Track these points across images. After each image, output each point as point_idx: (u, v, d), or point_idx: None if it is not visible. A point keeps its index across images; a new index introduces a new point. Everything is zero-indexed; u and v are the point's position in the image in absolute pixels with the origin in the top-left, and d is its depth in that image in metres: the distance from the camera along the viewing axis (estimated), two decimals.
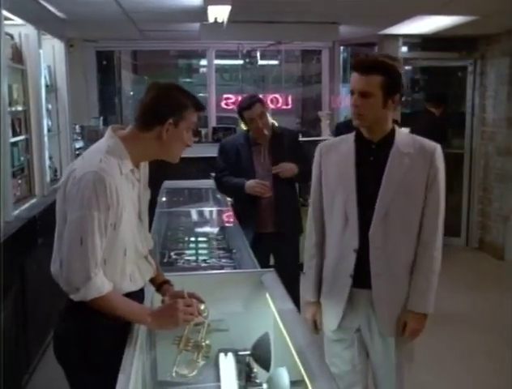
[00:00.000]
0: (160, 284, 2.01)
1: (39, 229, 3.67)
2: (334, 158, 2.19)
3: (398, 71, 2.09)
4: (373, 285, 2.10)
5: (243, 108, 3.44)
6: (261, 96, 3.86)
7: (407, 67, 6.62)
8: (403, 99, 6.22)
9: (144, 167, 1.91)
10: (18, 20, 3.92)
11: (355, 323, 2.19)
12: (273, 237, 3.43)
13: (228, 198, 4.18)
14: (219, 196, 4.36)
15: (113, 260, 1.74)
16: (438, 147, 2.12)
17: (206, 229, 3.86)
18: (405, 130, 2.29)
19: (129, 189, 1.78)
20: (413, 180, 2.08)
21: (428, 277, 2.12)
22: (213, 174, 4.29)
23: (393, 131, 2.14)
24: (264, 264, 2.98)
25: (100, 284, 1.67)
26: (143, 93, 1.83)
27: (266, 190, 3.35)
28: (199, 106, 1.86)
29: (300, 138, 4.03)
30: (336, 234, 2.17)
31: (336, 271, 2.18)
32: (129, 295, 1.79)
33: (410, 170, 2.07)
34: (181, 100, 1.80)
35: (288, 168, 3.42)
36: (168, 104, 1.78)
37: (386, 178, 2.08)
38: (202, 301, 1.88)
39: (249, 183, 3.37)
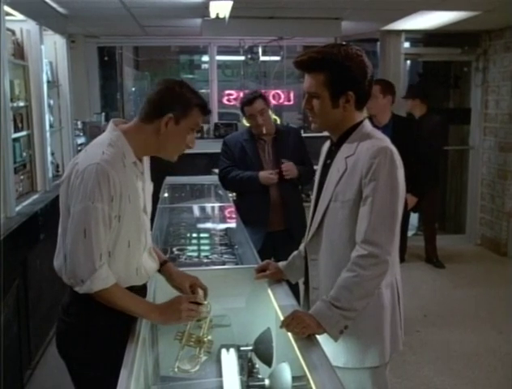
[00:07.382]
0: (160, 264, 2.02)
1: (41, 225, 3.68)
2: (321, 159, 2.05)
3: (346, 64, 1.75)
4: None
5: (244, 103, 3.44)
6: (263, 91, 3.85)
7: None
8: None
9: (147, 161, 1.91)
10: (19, 16, 3.92)
11: None
12: (281, 235, 3.43)
13: (230, 194, 4.17)
14: (221, 192, 4.36)
15: (117, 252, 1.75)
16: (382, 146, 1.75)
17: (208, 225, 3.87)
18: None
19: (132, 181, 1.78)
20: (347, 188, 1.79)
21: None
22: (215, 170, 4.27)
23: (352, 129, 1.84)
24: None
25: (106, 276, 1.67)
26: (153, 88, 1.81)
27: (276, 176, 3.37)
28: (205, 109, 1.83)
29: (302, 134, 4.04)
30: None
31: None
32: (132, 290, 1.80)
33: (345, 177, 1.80)
34: (186, 97, 1.77)
35: (293, 169, 3.39)
36: (171, 98, 1.76)
37: (325, 186, 1.88)
38: (204, 290, 1.95)
39: (263, 173, 3.37)
